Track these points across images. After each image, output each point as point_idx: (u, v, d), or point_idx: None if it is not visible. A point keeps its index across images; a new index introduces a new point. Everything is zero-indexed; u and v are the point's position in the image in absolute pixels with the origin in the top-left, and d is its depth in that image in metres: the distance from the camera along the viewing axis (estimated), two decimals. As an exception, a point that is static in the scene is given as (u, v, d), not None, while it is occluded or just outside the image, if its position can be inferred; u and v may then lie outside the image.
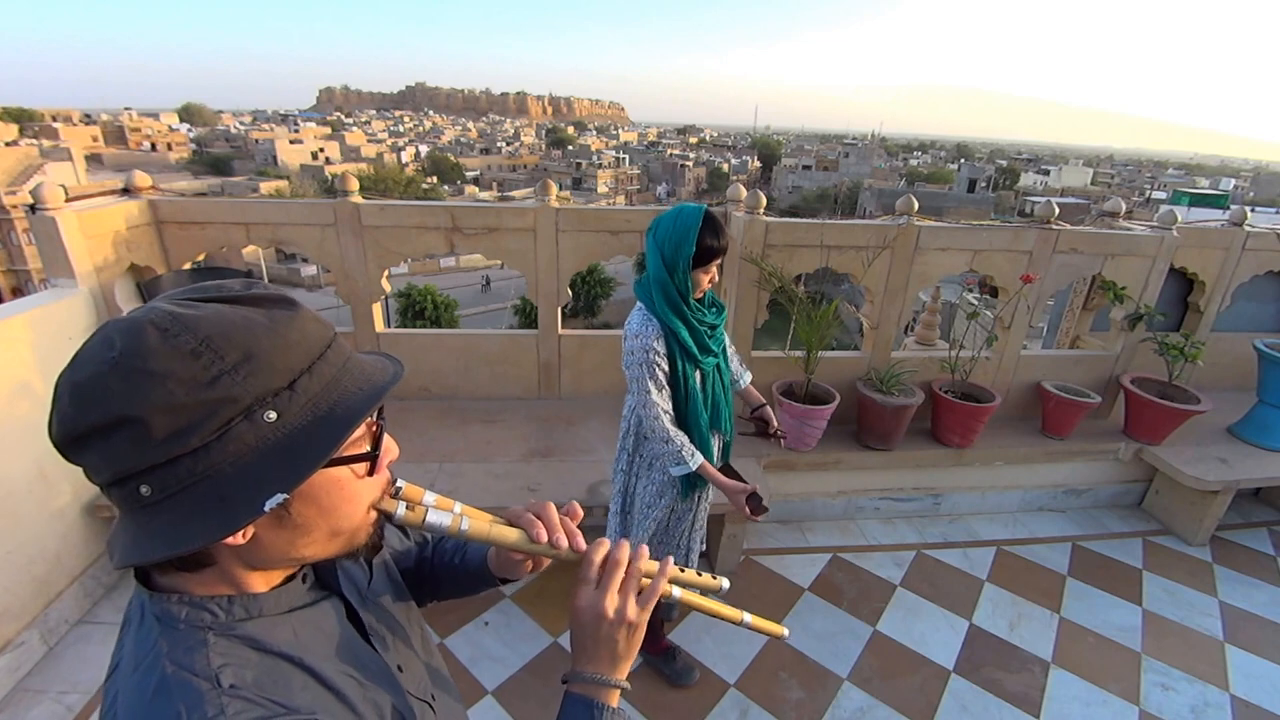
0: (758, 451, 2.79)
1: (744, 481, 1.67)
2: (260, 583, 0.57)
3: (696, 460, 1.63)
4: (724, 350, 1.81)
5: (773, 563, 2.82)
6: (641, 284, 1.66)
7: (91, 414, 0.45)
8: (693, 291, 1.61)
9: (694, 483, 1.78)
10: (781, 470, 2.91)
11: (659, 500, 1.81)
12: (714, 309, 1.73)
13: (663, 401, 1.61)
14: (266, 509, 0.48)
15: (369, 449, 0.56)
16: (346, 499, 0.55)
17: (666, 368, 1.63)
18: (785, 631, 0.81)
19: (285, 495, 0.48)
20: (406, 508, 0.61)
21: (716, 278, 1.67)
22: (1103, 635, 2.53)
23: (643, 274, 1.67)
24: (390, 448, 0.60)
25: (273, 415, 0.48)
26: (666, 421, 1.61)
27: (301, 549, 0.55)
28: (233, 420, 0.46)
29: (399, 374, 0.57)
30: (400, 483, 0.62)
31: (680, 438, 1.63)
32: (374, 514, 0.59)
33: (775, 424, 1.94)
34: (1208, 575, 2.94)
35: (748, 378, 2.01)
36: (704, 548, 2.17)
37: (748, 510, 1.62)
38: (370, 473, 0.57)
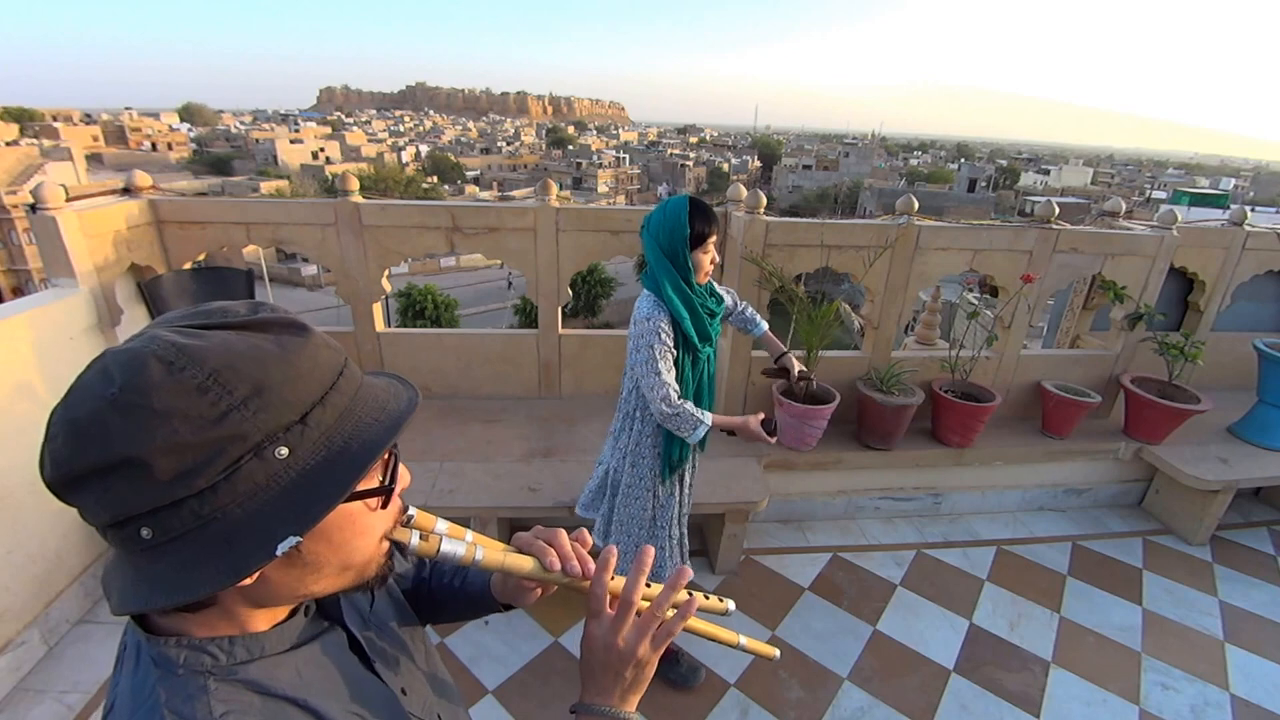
0: (758, 451, 2.79)
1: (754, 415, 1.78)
2: (263, 620, 0.54)
3: (708, 417, 1.70)
4: (715, 338, 1.88)
5: (773, 562, 2.82)
6: (648, 275, 1.76)
7: (89, 454, 0.41)
8: (695, 274, 1.72)
9: (673, 466, 1.86)
10: (782, 470, 2.92)
11: (641, 488, 1.88)
12: (714, 298, 1.84)
13: (670, 380, 1.70)
14: (279, 553, 0.45)
15: (384, 481, 0.54)
16: (359, 533, 0.53)
17: (674, 349, 1.73)
18: (776, 653, 0.80)
19: (299, 538, 0.45)
20: (420, 537, 0.58)
21: (717, 259, 1.77)
22: (1103, 635, 2.53)
23: (646, 268, 1.77)
24: (403, 476, 0.57)
25: (284, 452, 0.45)
26: (674, 395, 1.68)
27: (311, 585, 0.52)
28: (241, 458, 0.43)
29: (414, 400, 0.54)
30: (412, 510, 0.60)
31: (687, 404, 1.69)
32: (386, 545, 0.57)
33: (797, 370, 2.09)
34: (1208, 575, 2.94)
35: (764, 326, 2.14)
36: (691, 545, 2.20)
37: (766, 435, 1.72)
38: (384, 505, 0.54)
